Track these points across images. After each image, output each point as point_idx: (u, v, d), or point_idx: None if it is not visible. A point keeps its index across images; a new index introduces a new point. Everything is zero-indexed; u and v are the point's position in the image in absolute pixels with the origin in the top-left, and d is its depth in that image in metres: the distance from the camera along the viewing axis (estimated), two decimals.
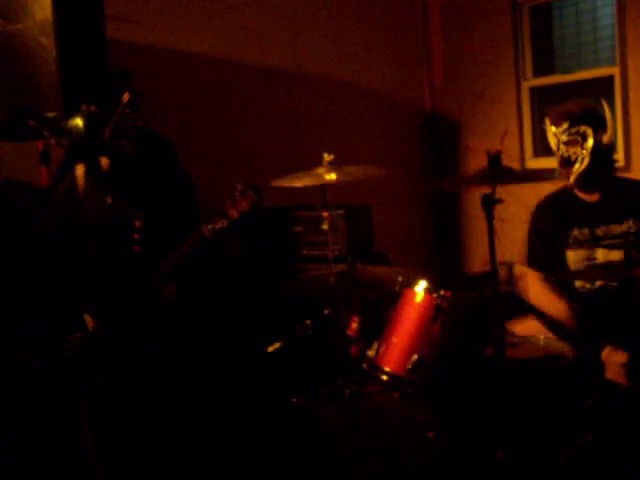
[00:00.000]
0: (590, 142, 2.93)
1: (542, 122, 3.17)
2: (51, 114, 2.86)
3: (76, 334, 2.77)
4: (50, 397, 2.87)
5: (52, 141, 2.71)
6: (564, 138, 2.97)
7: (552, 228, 3.14)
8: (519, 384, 2.42)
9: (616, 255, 3.01)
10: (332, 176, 2.78)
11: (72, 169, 2.69)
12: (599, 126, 2.98)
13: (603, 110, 3.04)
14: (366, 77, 5.32)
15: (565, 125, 2.98)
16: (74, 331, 2.77)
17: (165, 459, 2.74)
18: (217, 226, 2.56)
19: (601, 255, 3.03)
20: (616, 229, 3.02)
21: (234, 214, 2.53)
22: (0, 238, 2.99)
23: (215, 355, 3.10)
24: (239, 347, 3.57)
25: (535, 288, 3.19)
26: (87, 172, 2.66)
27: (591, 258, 3.04)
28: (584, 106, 3.07)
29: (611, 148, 3.05)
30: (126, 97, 2.60)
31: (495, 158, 2.40)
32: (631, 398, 2.47)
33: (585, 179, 2.99)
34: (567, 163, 2.97)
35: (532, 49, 5.28)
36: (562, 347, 2.62)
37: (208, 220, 2.56)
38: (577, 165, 2.95)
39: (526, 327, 3.07)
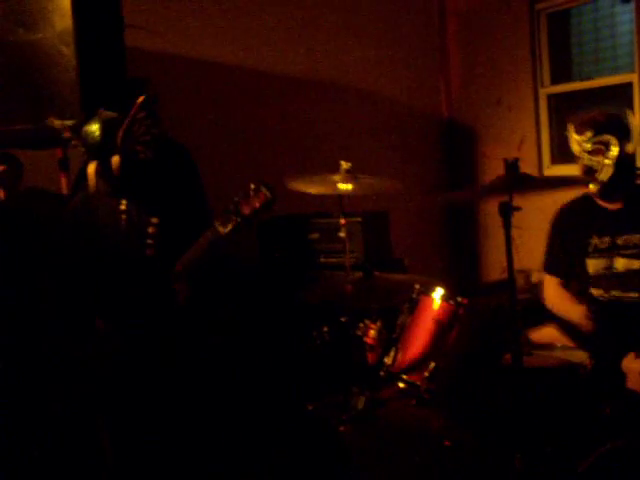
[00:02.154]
0: (615, 152, 2.88)
1: (562, 129, 3.13)
2: (70, 122, 2.90)
3: (90, 337, 2.79)
4: (66, 398, 2.90)
5: (73, 142, 2.73)
6: (588, 147, 2.93)
7: (571, 235, 3.12)
8: (537, 392, 2.41)
9: (637, 265, 2.98)
10: (348, 186, 2.78)
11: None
12: (623, 135, 2.94)
13: (627, 119, 3.01)
14: (383, 84, 5.32)
15: (589, 134, 2.93)
16: (88, 335, 2.80)
17: (178, 461, 2.75)
18: (230, 223, 2.57)
19: (621, 264, 3.00)
20: (636, 238, 2.98)
21: (247, 211, 2.54)
22: (20, 244, 3.02)
23: (230, 360, 3.11)
24: (255, 353, 3.57)
25: (551, 293, 3.18)
26: (98, 170, 2.67)
27: (610, 267, 3.02)
28: (608, 115, 3.03)
29: (634, 157, 3.02)
30: (140, 99, 2.62)
31: (513, 165, 2.39)
32: None
33: (608, 189, 2.96)
34: (590, 172, 2.93)
35: (550, 56, 5.26)
36: (580, 356, 2.60)
37: (221, 218, 2.58)
38: (601, 175, 2.91)
39: (543, 335, 3.06)
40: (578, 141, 2.97)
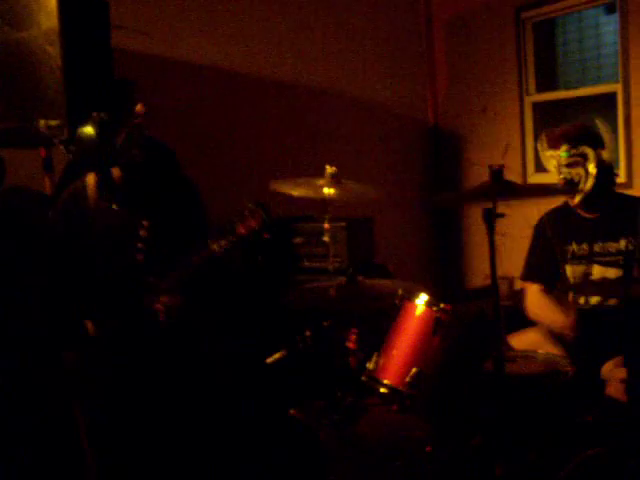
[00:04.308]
0: (592, 162, 2.94)
1: (537, 144, 3.18)
2: (55, 122, 2.88)
3: (76, 340, 2.77)
4: (48, 402, 2.87)
5: (61, 147, 2.72)
6: (565, 161, 2.98)
7: (552, 242, 3.15)
8: (518, 399, 2.41)
9: (612, 273, 3.02)
10: (331, 191, 2.78)
11: (78, 175, 2.70)
12: (598, 144, 2.99)
13: (598, 128, 3.05)
14: (369, 90, 5.33)
15: (564, 147, 2.99)
16: (75, 337, 2.78)
17: (161, 467, 2.74)
18: (226, 243, 2.56)
19: (597, 272, 3.03)
20: (612, 246, 3.02)
21: (243, 232, 2.53)
22: (4, 245, 2.99)
23: (214, 365, 3.10)
24: (237, 358, 3.56)
25: (533, 300, 3.20)
26: (98, 182, 2.67)
27: (588, 274, 3.05)
28: (580, 126, 3.09)
29: (611, 164, 3.06)
30: (140, 108, 2.61)
31: (497, 172, 2.40)
32: (630, 414, 2.46)
33: (591, 198, 3.00)
34: (571, 184, 2.97)
35: (535, 64, 5.30)
36: (561, 363, 2.61)
37: (216, 237, 2.57)
38: (582, 185, 2.95)
39: (524, 340, 3.07)
40: (554, 156, 3.01)
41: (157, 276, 2.69)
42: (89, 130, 2.62)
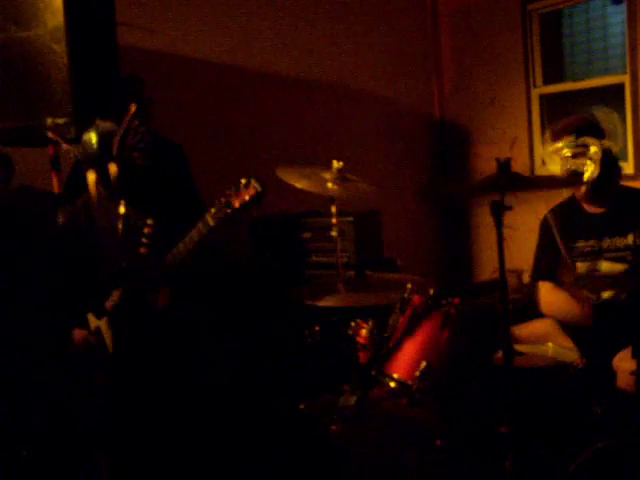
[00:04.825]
0: (596, 150, 2.93)
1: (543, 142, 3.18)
2: (61, 120, 2.89)
3: (79, 332, 2.80)
4: (54, 395, 2.89)
5: (65, 146, 2.74)
6: (569, 152, 2.97)
7: (559, 239, 3.14)
8: (528, 392, 2.41)
9: (620, 268, 3.01)
10: (335, 188, 2.78)
11: (84, 175, 2.72)
12: (599, 134, 2.99)
13: (598, 119, 3.05)
14: (376, 85, 5.33)
15: (567, 139, 2.98)
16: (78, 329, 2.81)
17: (165, 459, 2.75)
18: (220, 215, 2.57)
19: (605, 268, 3.02)
20: (620, 242, 3.01)
21: (237, 204, 2.54)
22: (12, 241, 3.01)
23: (220, 360, 3.11)
24: (246, 352, 3.57)
25: (547, 297, 3.18)
26: (98, 179, 2.69)
27: (595, 269, 3.04)
28: (581, 117, 3.09)
29: (615, 154, 3.05)
30: (133, 108, 2.62)
31: (504, 165, 2.39)
32: None
33: (596, 189, 2.99)
34: (577, 175, 2.96)
35: (542, 56, 5.28)
36: (571, 355, 2.61)
37: (212, 210, 2.58)
38: (587, 175, 2.94)
39: (532, 331, 3.06)
40: (557, 149, 3.00)
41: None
42: (91, 138, 2.66)
